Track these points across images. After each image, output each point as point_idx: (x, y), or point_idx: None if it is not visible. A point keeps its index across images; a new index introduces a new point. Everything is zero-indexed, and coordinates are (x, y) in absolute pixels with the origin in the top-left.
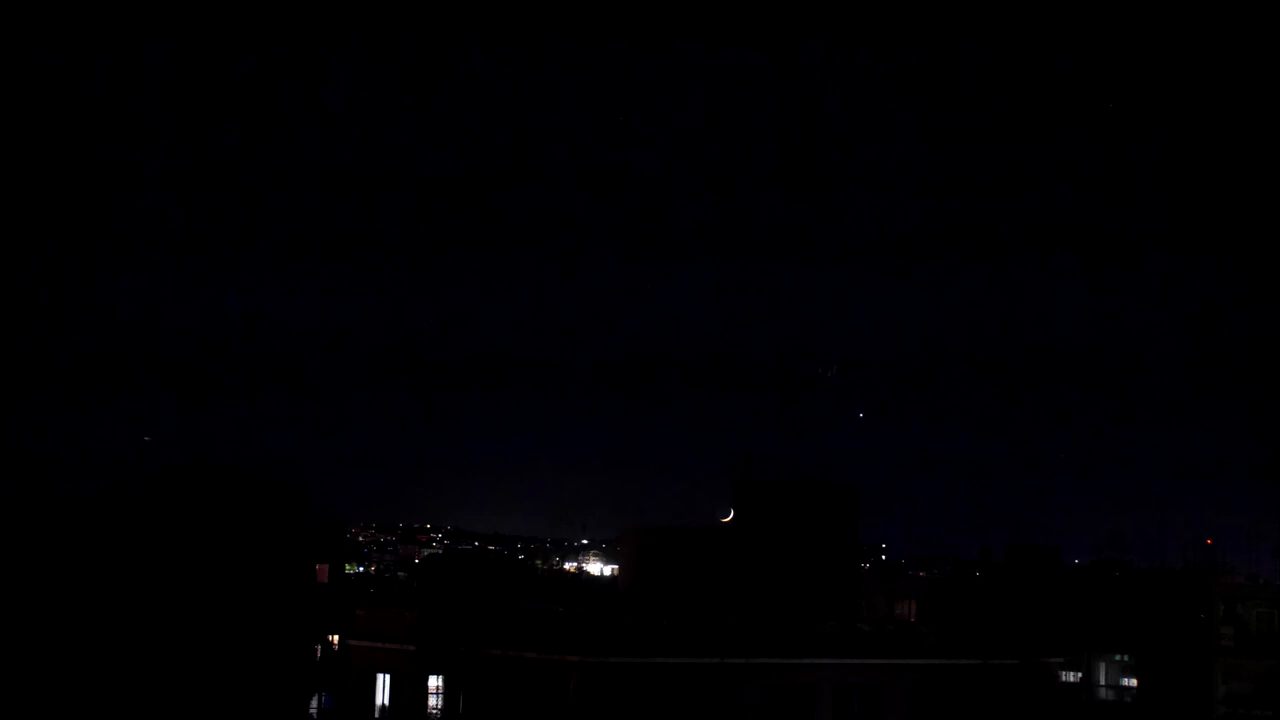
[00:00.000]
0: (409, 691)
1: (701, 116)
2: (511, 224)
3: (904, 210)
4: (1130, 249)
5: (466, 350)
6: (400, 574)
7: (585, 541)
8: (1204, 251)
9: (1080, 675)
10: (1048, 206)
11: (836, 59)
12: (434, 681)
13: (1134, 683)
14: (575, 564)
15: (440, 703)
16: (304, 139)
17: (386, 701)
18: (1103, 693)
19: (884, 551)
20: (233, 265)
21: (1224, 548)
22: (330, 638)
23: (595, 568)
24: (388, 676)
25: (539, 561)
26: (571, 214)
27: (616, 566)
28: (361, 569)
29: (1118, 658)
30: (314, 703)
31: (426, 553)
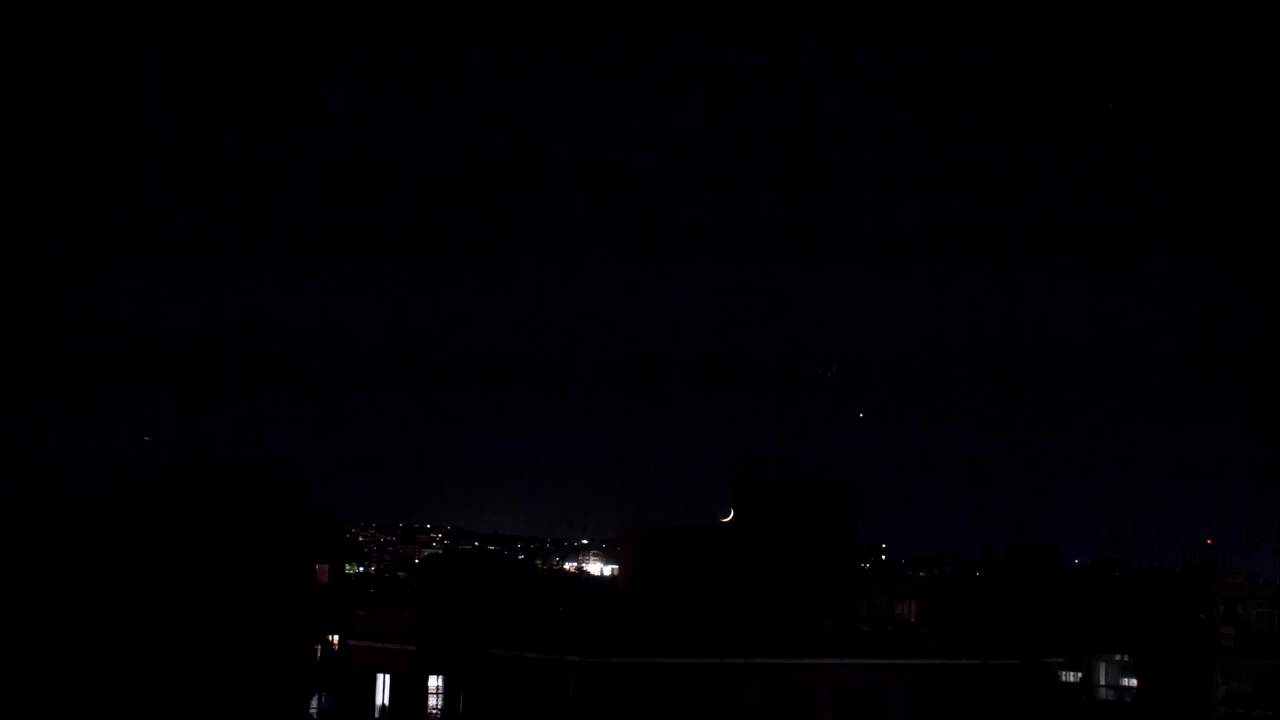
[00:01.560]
0: (409, 691)
1: (701, 116)
2: (511, 224)
3: (904, 210)
4: (1130, 249)
5: (466, 350)
6: (400, 574)
7: (585, 541)
8: (1204, 251)
9: (1080, 675)
10: (1048, 206)
11: (836, 59)
12: (434, 681)
13: (1134, 683)
14: (575, 564)
15: (440, 703)
16: (304, 139)
17: (386, 701)
18: (1103, 693)
19: (884, 551)
20: (233, 265)
21: (1224, 548)
22: (330, 638)
23: (595, 568)
24: (388, 676)
25: (539, 561)
26: (571, 214)
27: (616, 566)
28: (361, 569)
29: (1118, 658)
30: (314, 703)
31: (426, 553)
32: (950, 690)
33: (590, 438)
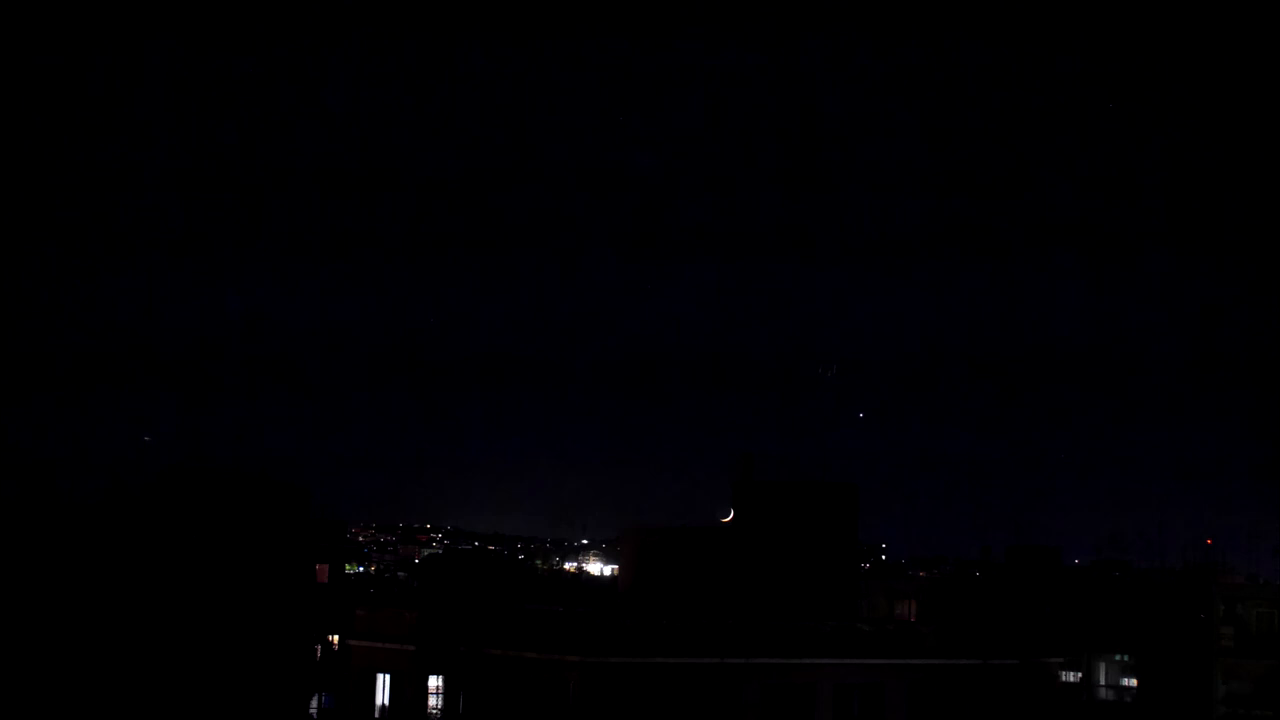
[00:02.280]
0: (409, 691)
1: (701, 116)
2: (511, 224)
3: (904, 210)
4: (1130, 249)
5: (466, 350)
6: (400, 574)
7: (585, 541)
8: (1204, 251)
9: (1080, 675)
10: (1048, 206)
11: (836, 59)
12: (434, 681)
13: (1134, 683)
14: (575, 564)
15: (440, 703)
16: (304, 139)
17: (386, 701)
18: (1103, 693)
19: (884, 551)
20: (233, 265)
21: (1224, 548)
22: (330, 638)
23: (595, 568)
24: (388, 676)
25: (539, 561)
26: (571, 214)
27: (616, 566)
28: (361, 569)
29: (1118, 658)
30: (314, 703)
31: (426, 553)
32: (950, 690)
33: (590, 438)
